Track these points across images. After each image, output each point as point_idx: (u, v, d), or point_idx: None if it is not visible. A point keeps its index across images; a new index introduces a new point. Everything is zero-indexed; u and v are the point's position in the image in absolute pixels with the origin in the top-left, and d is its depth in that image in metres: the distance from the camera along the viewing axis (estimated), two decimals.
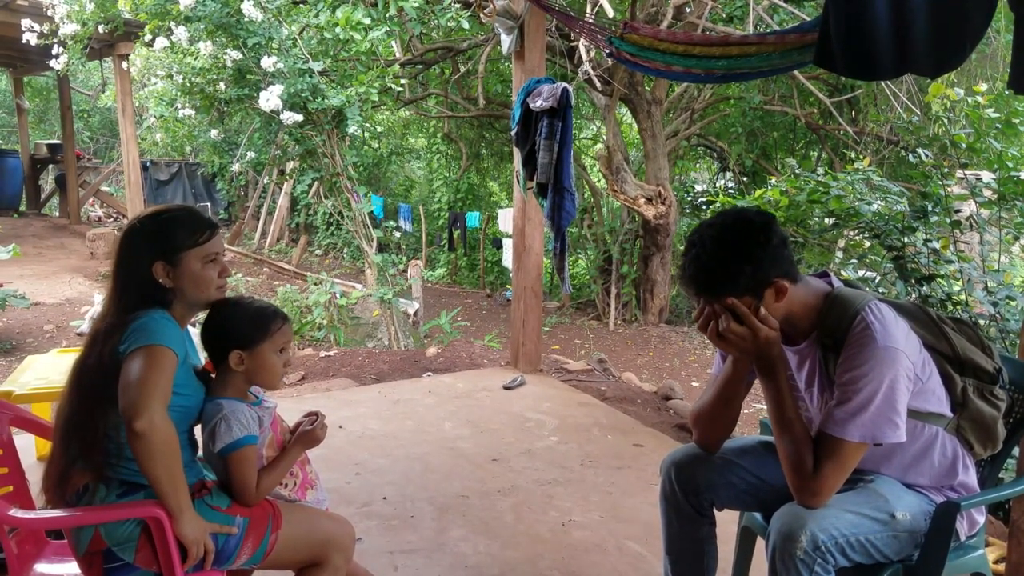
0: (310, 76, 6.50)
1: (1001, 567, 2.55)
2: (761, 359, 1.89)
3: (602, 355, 6.77)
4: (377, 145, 16.08)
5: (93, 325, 1.93)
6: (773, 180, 4.97)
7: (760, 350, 1.87)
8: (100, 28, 7.80)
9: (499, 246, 13.05)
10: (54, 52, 8.21)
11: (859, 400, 1.78)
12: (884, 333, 1.80)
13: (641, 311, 10.87)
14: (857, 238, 4.75)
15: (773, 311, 1.87)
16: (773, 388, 1.90)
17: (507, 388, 5.06)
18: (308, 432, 2.07)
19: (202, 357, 2.10)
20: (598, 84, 8.85)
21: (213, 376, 2.04)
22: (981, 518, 2.04)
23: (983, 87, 4.43)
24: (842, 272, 4.66)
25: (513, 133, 4.74)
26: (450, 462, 3.87)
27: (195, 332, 2.12)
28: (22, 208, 15.51)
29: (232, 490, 1.94)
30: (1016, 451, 2.29)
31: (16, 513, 1.82)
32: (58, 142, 15.29)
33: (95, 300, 6.98)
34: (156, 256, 1.92)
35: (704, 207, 11.52)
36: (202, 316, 2.07)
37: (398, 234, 14.20)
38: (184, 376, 1.91)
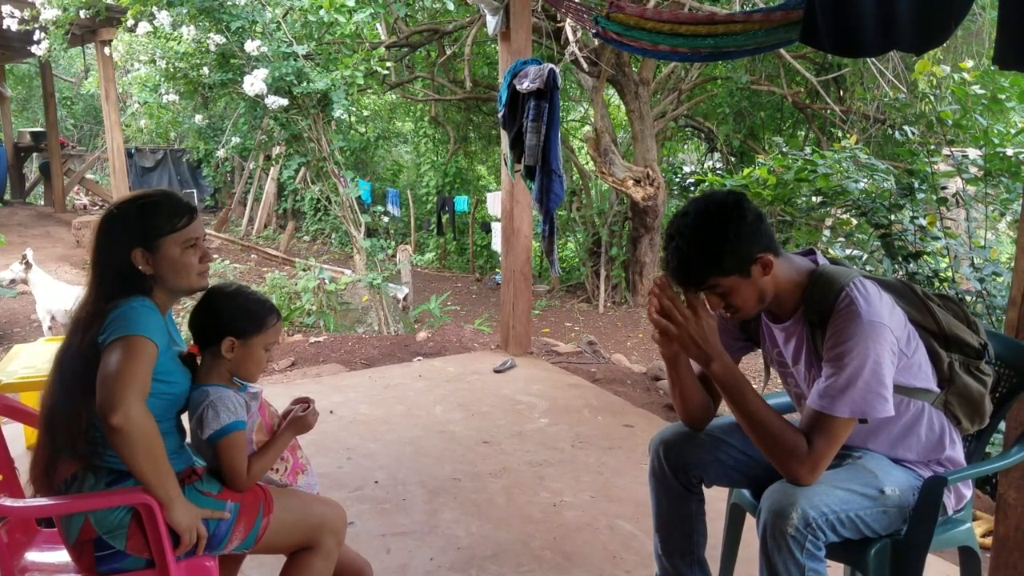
0: (294, 60, 6.45)
1: (988, 541, 2.57)
2: (699, 355, 1.91)
3: (592, 337, 6.78)
4: (364, 129, 16.01)
5: (75, 313, 1.91)
6: (761, 159, 4.98)
7: (691, 339, 1.88)
8: (81, 13, 7.73)
9: (488, 230, 13.02)
10: (35, 38, 8.13)
11: (846, 376, 1.79)
12: (868, 309, 1.81)
13: (631, 293, 10.90)
14: (844, 216, 4.76)
15: (762, 286, 1.88)
16: (726, 385, 1.90)
17: (497, 371, 5.06)
18: (299, 418, 2.07)
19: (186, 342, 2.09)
20: (585, 65, 8.84)
21: (199, 360, 2.02)
22: (968, 492, 2.05)
23: (969, 64, 4.44)
24: (829, 251, 4.67)
25: (500, 115, 4.72)
26: (441, 445, 3.88)
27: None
28: (7, 197, 15.38)
29: (223, 476, 1.94)
30: (1003, 426, 2.30)
31: (5, 501, 1.81)
32: (41, 130, 15.17)
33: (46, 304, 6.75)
34: (134, 243, 1.89)
35: (692, 188, 11.52)
36: (189, 301, 2.05)
37: (386, 219, 14.16)
38: (169, 363, 1.90)
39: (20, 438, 3.59)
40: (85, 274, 1.97)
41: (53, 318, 6.57)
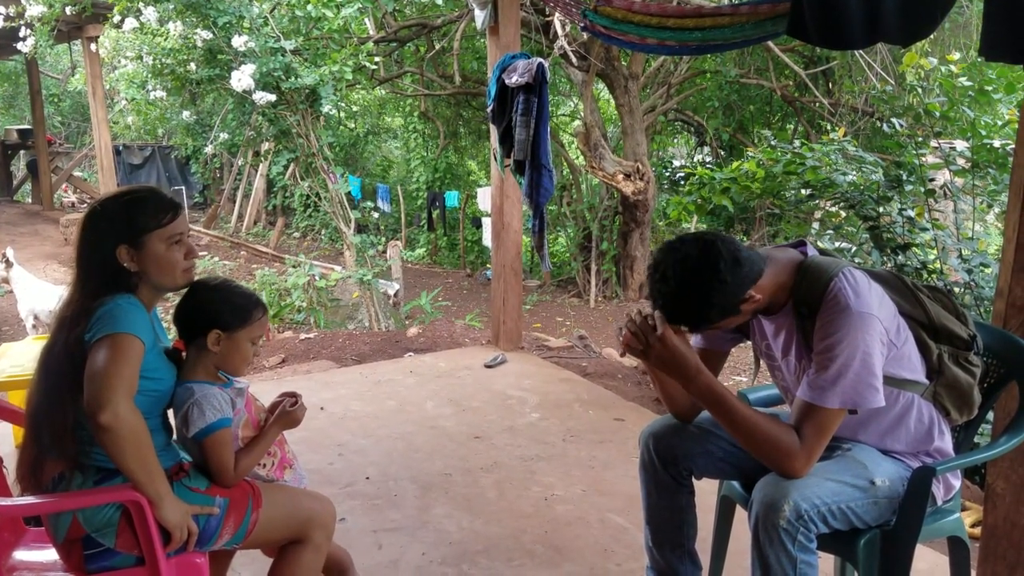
0: (282, 55, 6.42)
1: (977, 531, 2.59)
2: (675, 377, 1.92)
3: (583, 332, 6.79)
4: (353, 125, 15.95)
5: (59, 311, 1.90)
6: (750, 152, 4.98)
7: (662, 363, 1.90)
8: (68, 10, 7.67)
9: (479, 225, 13.00)
10: (21, 35, 8.08)
11: (836, 367, 1.79)
12: (858, 300, 1.81)
13: (621, 287, 10.90)
14: (833, 209, 4.77)
15: (756, 308, 1.91)
16: (707, 402, 1.91)
17: (488, 366, 5.06)
18: (287, 413, 2.06)
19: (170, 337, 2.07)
20: (574, 59, 8.82)
21: (184, 355, 2.01)
22: (957, 482, 2.06)
23: (956, 56, 4.45)
24: (818, 243, 4.67)
25: (489, 110, 4.71)
26: (432, 441, 3.88)
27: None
28: None
29: (210, 473, 1.93)
30: (991, 416, 2.31)
31: None
32: (28, 127, 15.09)
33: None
34: (119, 239, 1.87)
35: (682, 181, 11.54)
36: (175, 297, 2.04)
37: (376, 215, 14.11)
38: (155, 360, 1.89)
39: (8, 437, 3.57)
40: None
41: (36, 317, 6.51)
